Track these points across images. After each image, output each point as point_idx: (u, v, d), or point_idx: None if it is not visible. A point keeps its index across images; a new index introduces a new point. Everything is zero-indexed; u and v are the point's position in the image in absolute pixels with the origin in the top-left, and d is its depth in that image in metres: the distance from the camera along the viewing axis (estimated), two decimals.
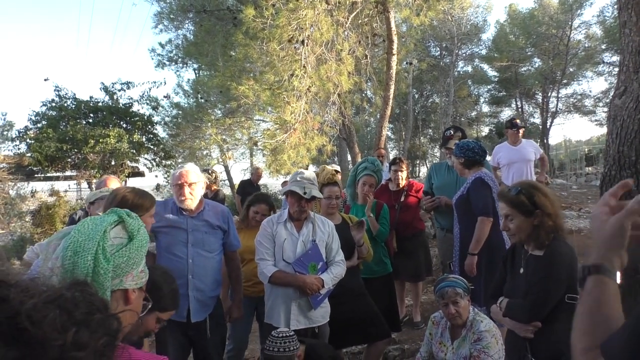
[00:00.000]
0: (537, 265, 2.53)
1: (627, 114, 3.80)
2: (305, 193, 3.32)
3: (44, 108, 14.65)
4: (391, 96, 10.37)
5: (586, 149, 24.62)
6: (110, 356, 0.75)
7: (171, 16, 16.85)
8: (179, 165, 3.66)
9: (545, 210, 2.52)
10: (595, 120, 29.13)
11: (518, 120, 7.00)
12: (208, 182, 7.87)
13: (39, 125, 14.29)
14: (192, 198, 3.44)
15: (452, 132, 5.12)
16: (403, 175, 5.47)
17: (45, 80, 14.80)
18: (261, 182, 11.15)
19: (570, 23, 25.56)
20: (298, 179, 3.42)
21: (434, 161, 35.31)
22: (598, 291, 1.01)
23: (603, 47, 26.23)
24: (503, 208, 2.65)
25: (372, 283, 4.43)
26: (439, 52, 29.04)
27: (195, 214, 3.51)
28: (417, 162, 33.93)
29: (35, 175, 14.28)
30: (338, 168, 6.58)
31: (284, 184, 8.21)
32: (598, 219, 1.07)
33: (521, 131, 6.78)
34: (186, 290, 3.40)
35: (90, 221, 1.30)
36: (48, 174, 14.04)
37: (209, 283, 3.53)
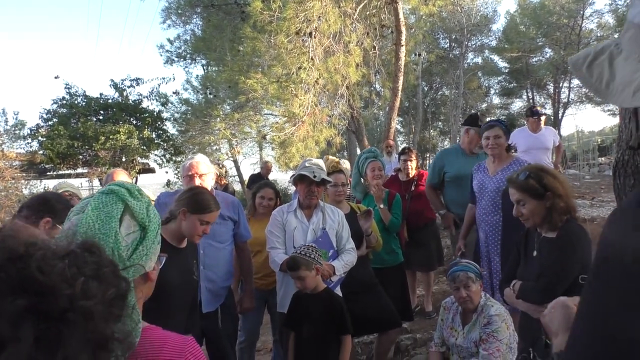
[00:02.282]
0: (550, 247, 2.51)
1: None
2: (315, 176, 3.32)
3: (54, 106, 14.79)
4: (400, 88, 10.31)
5: (599, 140, 24.30)
6: (120, 311, 0.75)
7: (179, 11, 16.91)
8: (189, 157, 3.67)
9: (556, 191, 2.50)
10: (608, 110, 28.76)
11: (539, 108, 6.76)
12: (219, 177, 7.92)
13: (50, 122, 14.42)
14: None
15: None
16: (413, 165, 5.45)
17: (55, 78, 14.93)
18: (271, 176, 11.17)
19: (581, 12, 25.26)
20: (307, 164, 3.43)
21: None
22: None
23: (615, 36, 25.64)
24: (514, 194, 2.62)
25: (384, 273, 4.42)
26: (448, 44, 28.82)
27: None
28: (427, 155, 33.77)
29: (47, 173, 14.44)
30: (347, 163, 6.52)
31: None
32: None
33: (543, 119, 6.52)
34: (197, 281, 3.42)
35: (94, 217, 1.15)
36: (60, 172, 14.19)
37: (221, 274, 3.55)
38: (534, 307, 2.51)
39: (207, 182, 3.51)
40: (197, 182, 3.43)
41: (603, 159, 21.30)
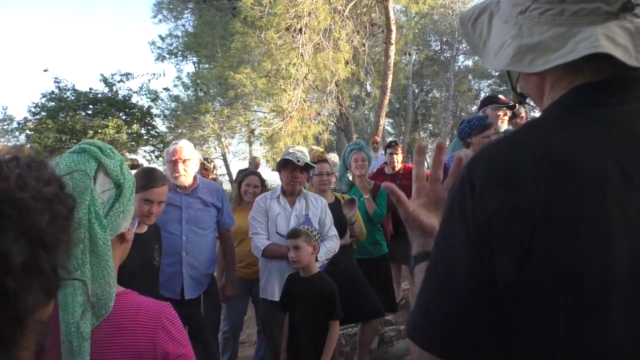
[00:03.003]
0: None
1: None
2: (298, 161, 3.34)
3: (43, 99, 14.70)
4: (389, 86, 10.35)
5: None
6: (61, 210, 0.74)
7: (170, 6, 16.84)
8: (173, 142, 3.65)
9: None
10: None
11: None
12: (206, 171, 7.90)
13: (38, 116, 14.32)
14: (186, 175, 3.43)
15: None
16: (399, 159, 5.48)
17: (44, 71, 14.90)
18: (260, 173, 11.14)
19: None
20: (290, 151, 3.44)
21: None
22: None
23: None
24: None
25: (368, 264, 4.44)
26: (439, 47, 28.99)
27: (189, 191, 3.50)
28: None
29: None
30: (337, 157, 6.54)
31: None
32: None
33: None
34: (180, 268, 3.40)
35: (67, 175, 1.07)
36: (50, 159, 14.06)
37: (203, 260, 3.52)
38: None
39: (191, 167, 3.48)
40: (181, 167, 3.41)
41: None
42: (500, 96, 4.60)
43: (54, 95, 14.64)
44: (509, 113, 4.35)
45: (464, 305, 0.70)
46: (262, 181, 4.50)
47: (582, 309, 0.64)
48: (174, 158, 3.42)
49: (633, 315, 0.64)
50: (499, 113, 4.38)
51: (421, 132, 33.35)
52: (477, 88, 32.58)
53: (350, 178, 4.88)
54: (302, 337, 3.03)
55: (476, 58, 30.61)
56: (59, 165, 1.16)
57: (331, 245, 3.47)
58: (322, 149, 4.38)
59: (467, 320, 0.70)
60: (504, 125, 4.38)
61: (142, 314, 1.17)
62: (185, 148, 3.47)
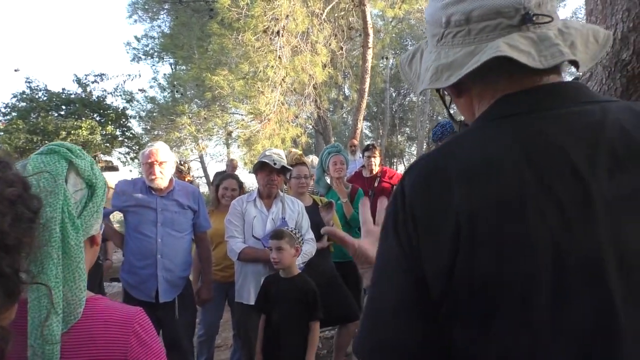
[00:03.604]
0: None
1: None
2: (275, 163, 3.32)
3: (14, 100, 14.31)
4: (367, 89, 10.42)
5: None
6: (25, 211, 0.71)
7: (146, 7, 16.63)
8: (149, 144, 3.60)
9: None
10: None
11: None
12: (180, 174, 7.81)
13: (8, 117, 13.96)
14: (163, 177, 3.40)
15: None
16: (376, 162, 5.50)
17: (15, 71, 14.58)
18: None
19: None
20: (267, 153, 3.43)
21: (412, 160, 35.69)
22: None
23: None
24: None
25: (346, 267, 4.44)
26: None
27: (165, 194, 3.46)
28: (395, 160, 34.14)
29: None
30: (316, 159, 6.54)
31: None
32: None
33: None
34: (155, 270, 3.36)
35: (37, 178, 1.04)
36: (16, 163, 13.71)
37: (179, 263, 3.49)
38: None
39: (167, 170, 3.45)
40: (157, 170, 3.37)
41: None
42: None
43: (25, 96, 14.27)
44: None
45: (400, 330, 0.73)
46: (240, 184, 4.47)
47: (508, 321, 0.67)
48: (149, 160, 3.38)
49: (556, 322, 0.66)
50: None
51: (399, 136, 33.61)
52: None
53: (328, 181, 4.88)
54: (281, 339, 3.02)
55: None
56: (27, 167, 1.11)
57: (307, 248, 3.47)
58: (300, 152, 4.38)
59: (405, 346, 0.72)
60: None
61: (113, 320, 1.12)
62: (161, 150, 3.44)
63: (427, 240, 0.71)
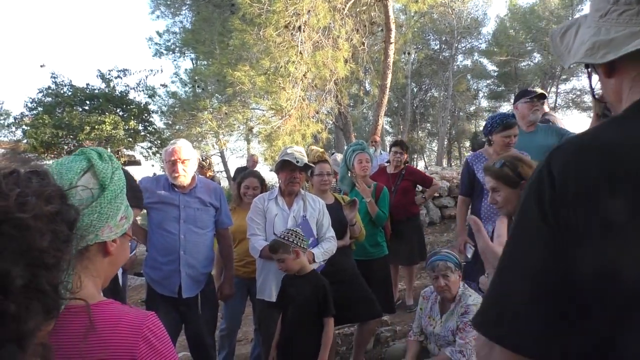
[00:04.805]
0: None
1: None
2: (297, 162, 3.32)
3: (40, 95, 14.61)
4: (388, 85, 10.34)
5: None
6: (65, 232, 0.72)
7: (168, 2, 16.77)
8: (171, 142, 3.63)
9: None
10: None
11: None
12: (202, 169, 7.88)
13: (34, 112, 14.26)
14: (186, 174, 3.43)
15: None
16: (402, 158, 5.46)
17: (41, 66, 14.79)
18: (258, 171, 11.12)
19: (570, 18, 25.53)
20: (288, 151, 3.41)
21: (432, 156, 35.40)
22: None
23: None
24: (489, 181, 2.64)
25: (368, 265, 4.42)
26: (438, 46, 29.01)
27: (187, 191, 3.49)
28: (415, 156, 33.93)
29: (32, 163, 14.20)
30: (340, 157, 6.49)
31: None
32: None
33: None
34: (178, 266, 3.40)
35: (55, 170, 1.11)
36: (44, 161, 13.99)
37: (201, 259, 3.52)
38: None
39: (190, 167, 3.47)
40: (180, 167, 3.39)
41: None
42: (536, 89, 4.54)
43: (50, 91, 14.56)
44: (540, 104, 4.32)
45: (540, 296, 0.72)
46: (262, 181, 4.47)
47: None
48: (172, 158, 3.40)
49: None
50: (530, 105, 4.36)
51: (419, 132, 33.38)
52: (475, 88, 32.66)
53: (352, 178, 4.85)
54: (296, 334, 3.04)
55: (475, 57, 30.69)
56: (54, 162, 1.15)
57: (328, 246, 3.46)
58: (322, 149, 4.36)
59: (543, 314, 0.71)
60: (536, 115, 4.36)
61: (123, 324, 1.11)
62: (184, 148, 3.46)
63: (579, 222, 0.70)
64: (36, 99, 14.53)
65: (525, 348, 0.72)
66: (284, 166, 3.40)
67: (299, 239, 3.08)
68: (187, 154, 3.44)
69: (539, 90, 4.29)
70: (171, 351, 1.15)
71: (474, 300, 3.05)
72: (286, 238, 3.04)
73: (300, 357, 3.02)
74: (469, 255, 3.94)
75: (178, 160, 3.39)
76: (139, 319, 1.13)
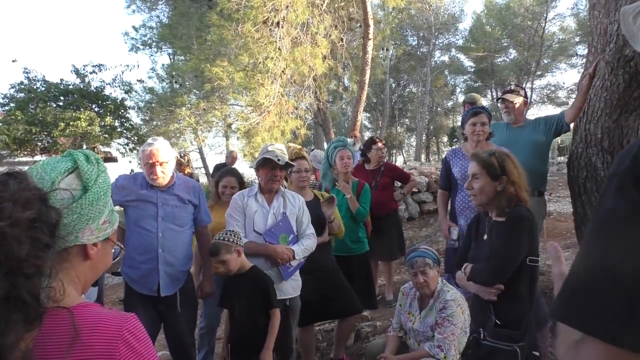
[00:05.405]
0: (499, 230, 2.57)
1: (594, 92, 3.88)
2: (279, 160, 3.31)
3: (12, 90, 14.28)
4: (367, 81, 10.38)
5: (559, 140, 25.06)
6: (46, 237, 0.70)
7: None
8: (148, 142, 3.55)
9: (511, 177, 2.56)
10: None
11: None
12: (180, 166, 7.81)
13: (6, 107, 13.93)
14: (164, 176, 3.38)
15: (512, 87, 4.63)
16: (381, 154, 5.51)
17: (13, 61, 14.53)
18: (236, 166, 11.06)
19: (545, 15, 25.97)
20: (269, 149, 3.41)
21: (411, 151, 35.67)
22: None
23: (577, 39, 26.75)
24: (473, 167, 2.68)
25: (350, 261, 4.45)
26: (416, 42, 29.20)
27: (165, 188, 3.45)
28: (394, 151, 34.13)
29: (4, 160, 13.94)
30: (321, 153, 6.47)
31: None
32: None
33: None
34: (156, 265, 3.36)
35: (40, 168, 1.11)
36: (17, 159, 13.71)
37: (180, 257, 3.49)
38: (484, 289, 2.57)
39: (169, 168, 3.42)
40: (159, 170, 3.33)
41: (562, 157, 22.01)
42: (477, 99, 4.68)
43: (23, 86, 14.24)
44: (508, 104, 4.45)
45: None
46: (240, 180, 4.44)
47: None
48: (150, 161, 3.35)
49: None
50: (503, 106, 4.51)
51: (398, 127, 33.57)
52: (453, 83, 32.98)
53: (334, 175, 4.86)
54: (246, 330, 3.07)
55: (452, 53, 31.00)
56: (37, 166, 1.14)
57: (308, 243, 3.47)
58: (299, 146, 4.36)
59: None
60: (510, 116, 4.47)
61: (102, 327, 1.08)
62: (162, 150, 3.38)
63: None
64: (8, 95, 14.20)
65: (627, 340, 0.64)
66: (265, 164, 3.39)
67: (238, 237, 3.12)
68: (165, 155, 3.38)
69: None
70: (152, 352, 1.14)
71: (452, 295, 3.10)
72: (226, 239, 3.07)
73: (253, 351, 3.05)
74: (454, 237, 4.04)
75: (156, 163, 3.34)
76: (119, 321, 1.11)
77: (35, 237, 0.67)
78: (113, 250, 1.31)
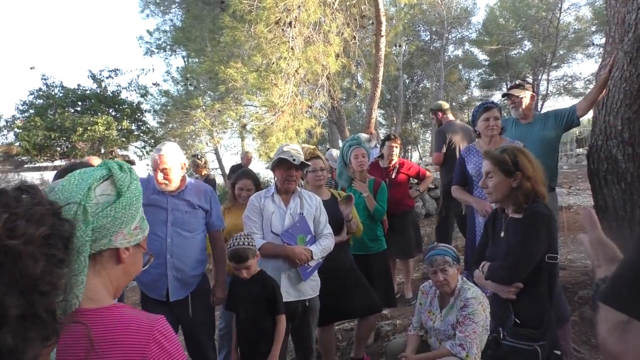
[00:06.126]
0: (516, 227, 2.54)
1: (613, 83, 3.81)
2: (294, 160, 3.32)
3: (31, 97, 14.51)
4: (380, 78, 10.32)
5: (577, 131, 24.63)
6: (60, 253, 0.70)
7: (157, 1, 16.66)
8: (158, 147, 3.53)
9: (526, 172, 2.53)
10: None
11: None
12: (198, 168, 7.86)
13: (26, 114, 14.16)
14: (168, 182, 3.37)
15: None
16: (397, 152, 5.47)
17: (31, 68, 14.68)
18: (251, 167, 11.10)
19: (560, 5, 25.56)
20: (285, 149, 3.41)
21: (426, 147, 35.44)
22: None
23: (593, 29, 26.30)
24: (486, 165, 2.66)
25: (368, 260, 4.45)
26: (428, 37, 28.98)
27: (175, 193, 3.46)
28: (409, 147, 33.95)
29: (25, 166, 14.17)
30: (337, 152, 6.47)
31: None
32: (586, 245, 1.19)
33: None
34: (165, 270, 3.37)
35: (77, 176, 1.19)
36: (37, 164, 13.94)
37: (189, 263, 3.47)
38: (502, 287, 2.54)
39: (174, 173, 3.40)
40: (160, 176, 3.31)
41: (581, 149, 21.67)
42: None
43: (41, 93, 14.46)
44: (516, 99, 4.40)
45: None
46: (256, 182, 4.43)
47: None
48: (155, 167, 3.38)
49: None
50: (510, 103, 4.46)
51: (413, 123, 33.38)
52: (467, 77, 32.69)
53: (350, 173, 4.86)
54: (252, 335, 3.07)
55: (466, 47, 30.70)
56: (74, 173, 1.20)
57: (326, 243, 3.46)
58: (313, 146, 4.37)
59: None
60: (518, 111, 4.42)
61: (133, 328, 1.13)
62: (168, 155, 3.37)
63: None
64: (27, 102, 14.43)
65: None
66: (280, 164, 3.40)
67: (252, 239, 3.14)
68: (171, 161, 3.37)
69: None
70: (180, 353, 1.17)
71: (473, 293, 3.07)
72: (247, 244, 3.07)
73: (260, 356, 3.04)
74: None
75: (158, 170, 3.35)
76: (150, 322, 1.15)
77: (50, 253, 0.67)
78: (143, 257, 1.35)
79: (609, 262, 1.11)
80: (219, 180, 18.72)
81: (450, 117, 6.23)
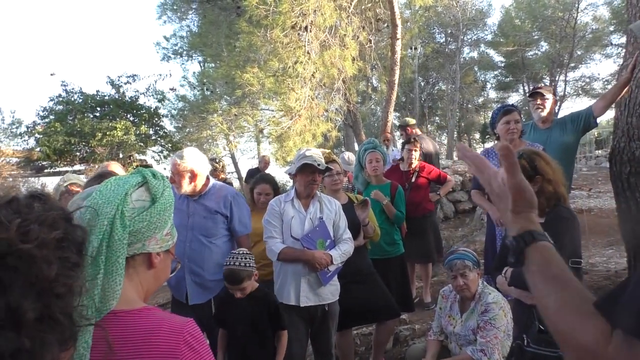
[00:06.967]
0: None
1: (635, 84, 3.76)
2: (319, 165, 3.33)
3: (51, 103, 14.75)
4: (396, 81, 10.31)
5: (596, 133, 24.29)
6: (75, 257, 0.71)
7: (174, 7, 16.84)
8: (177, 154, 3.54)
9: (546, 176, 2.49)
10: None
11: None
12: (215, 172, 7.91)
13: (46, 120, 14.40)
14: (182, 187, 3.40)
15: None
16: (417, 155, 5.44)
17: (51, 75, 14.93)
18: (269, 171, 11.14)
19: (577, 5, 25.23)
20: (307, 154, 3.41)
21: (442, 149, 35.23)
22: (546, 254, 0.97)
23: (611, 28, 25.93)
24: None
25: (385, 264, 4.44)
26: (444, 39, 28.85)
27: (196, 197, 3.49)
28: None
29: (45, 171, 14.40)
30: (353, 156, 6.47)
31: None
32: (494, 196, 1.04)
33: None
34: (183, 273, 3.42)
35: (113, 182, 1.23)
36: (57, 169, 14.15)
37: (207, 268, 3.47)
38: (526, 294, 2.51)
39: (189, 179, 3.41)
40: (177, 180, 3.38)
41: (600, 151, 21.36)
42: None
43: (61, 99, 14.70)
44: (539, 101, 4.34)
45: None
46: (274, 187, 4.43)
47: None
48: (172, 171, 3.44)
49: None
50: (533, 104, 4.40)
51: (429, 125, 33.22)
52: (483, 79, 32.43)
53: (366, 177, 4.87)
54: (248, 351, 3.04)
55: (481, 49, 30.49)
56: (111, 180, 1.24)
57: (346, 248, 3.46)
58: (328, 150, 4.38)
59: None
60: (537, 114, 4.38)
61: (165, 329, 1.15)
62: (183, 162, 3.39)
63: None
64: (47, 107, 14.67)
65: None
66: (304, 169, 3.40)
67: (250, 259, 3.07)
68: (186, 165, 3.38)
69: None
70: (210, 354, 1.19)
71: (494, 298, 3.05)
72: (244, 265, 3.00)
73: None
74: None
75: (174, 175, 3.40)
76: (180, 324, 1.17)
77: (64, 256, 0.68)
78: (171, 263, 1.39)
79: (529, 209, 1.00)
80: (236, 184, 18.81)
81: (418, 131, 7.07)
